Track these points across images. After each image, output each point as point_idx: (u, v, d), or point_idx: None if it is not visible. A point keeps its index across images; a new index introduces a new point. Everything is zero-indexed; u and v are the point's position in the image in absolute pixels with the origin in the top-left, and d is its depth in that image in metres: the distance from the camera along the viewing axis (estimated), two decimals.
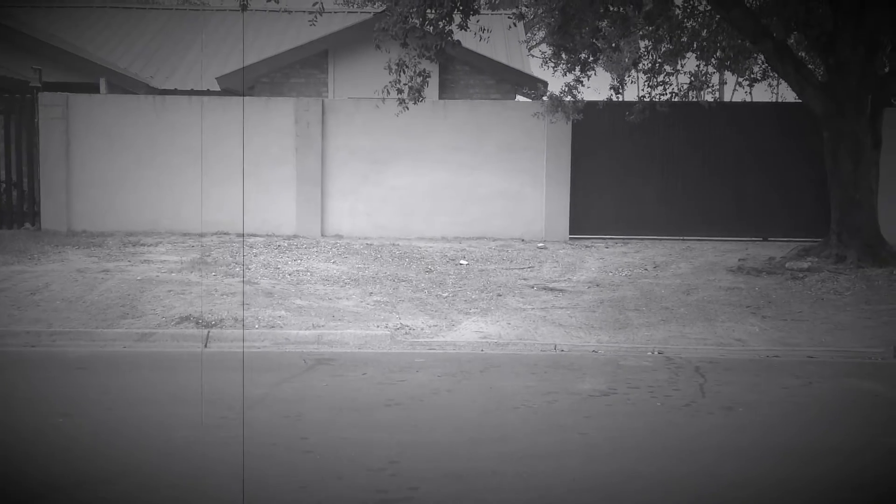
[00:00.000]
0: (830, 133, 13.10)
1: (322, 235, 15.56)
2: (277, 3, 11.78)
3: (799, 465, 5.48)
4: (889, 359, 8.92)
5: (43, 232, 15.17)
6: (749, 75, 16.76)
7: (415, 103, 13.05)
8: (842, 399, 7.28)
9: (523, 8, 16.62)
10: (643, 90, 15.57)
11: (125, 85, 19.39)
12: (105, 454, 5.54)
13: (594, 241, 15.64)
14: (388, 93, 12.56)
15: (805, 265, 12.66)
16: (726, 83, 31.27)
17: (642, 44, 16.53)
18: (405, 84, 12.64)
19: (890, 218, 14.27)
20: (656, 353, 9.01)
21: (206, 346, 9.21)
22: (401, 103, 12.97)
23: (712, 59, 15.38)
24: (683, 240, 15.61)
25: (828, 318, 10.34)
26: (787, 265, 12.80)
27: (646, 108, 14.99)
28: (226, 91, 18.53)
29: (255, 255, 13.30)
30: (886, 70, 14.68)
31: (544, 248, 14.79)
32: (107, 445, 5.73)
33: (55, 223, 15.41)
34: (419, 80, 12.63)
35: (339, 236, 15.54)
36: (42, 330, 9.37)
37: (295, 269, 12.53)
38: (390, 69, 12.44)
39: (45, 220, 15.48)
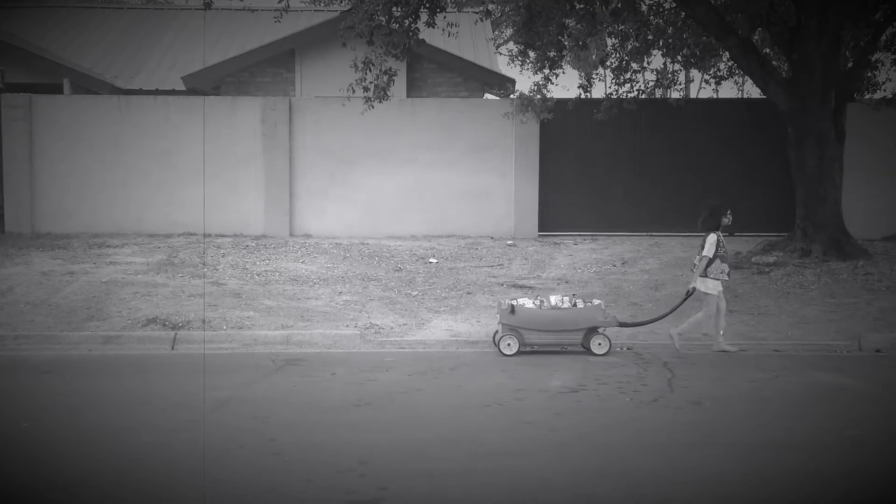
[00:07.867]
0: (795, 128, 13.23)
1: (291, 235, 15.46)
2: (242, 1, 11.66)
3: (767, 458, 5.53)
4: (854, 352, 9.05)
5: (6, 234, 14.93)
6: (715, 73, 16.85)
7: (380, 102, 12.94)
8: (808, 392, 7.35)
9: (490, 5, 16.58)
10: (611, 88, 15.62)
11: (89, 85, 19.14)
12: (71, 459, 5.47)
13: (563, 237, 15.67)
14: (354, 91, 12.49)
15: (771, 260, 12.78)
16: (693, 80, 31.48)
17: (609, 41, 16.57)
18: (371, 82, 12.56)
19: (854, 212, 14.45)
20: (625, 348, 9.07)
21: (173, 348, 9.13)
22: (366, 101, 12.87)
23: (678, 57, 15.46)
24: (651, 236, 15.69)
25: (794, 312, 10.46)
26: (752, 260, 12.92)
27: (613, 105, 15.02)
28: (191, 91, 18.34)
29: (222, 256, 13.20)
30: (849, 65, 14.84)
31: (514, 245, 14.80)
32: (73, 450, 5.66)
33: (19, 225, 15.18)
34: (385, 78, 12.55)
35: (308, 236, 15.45)
36: (6, 334, 9.25)
37: (263, 269, 12.45)
38: (356, 67, 12.36)
39: (8, 223, 15.23)
